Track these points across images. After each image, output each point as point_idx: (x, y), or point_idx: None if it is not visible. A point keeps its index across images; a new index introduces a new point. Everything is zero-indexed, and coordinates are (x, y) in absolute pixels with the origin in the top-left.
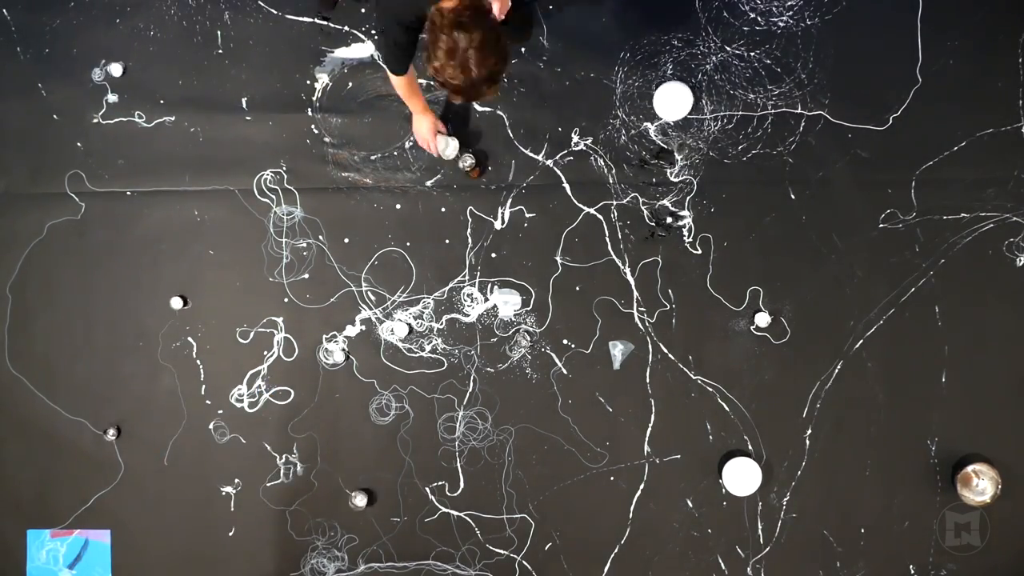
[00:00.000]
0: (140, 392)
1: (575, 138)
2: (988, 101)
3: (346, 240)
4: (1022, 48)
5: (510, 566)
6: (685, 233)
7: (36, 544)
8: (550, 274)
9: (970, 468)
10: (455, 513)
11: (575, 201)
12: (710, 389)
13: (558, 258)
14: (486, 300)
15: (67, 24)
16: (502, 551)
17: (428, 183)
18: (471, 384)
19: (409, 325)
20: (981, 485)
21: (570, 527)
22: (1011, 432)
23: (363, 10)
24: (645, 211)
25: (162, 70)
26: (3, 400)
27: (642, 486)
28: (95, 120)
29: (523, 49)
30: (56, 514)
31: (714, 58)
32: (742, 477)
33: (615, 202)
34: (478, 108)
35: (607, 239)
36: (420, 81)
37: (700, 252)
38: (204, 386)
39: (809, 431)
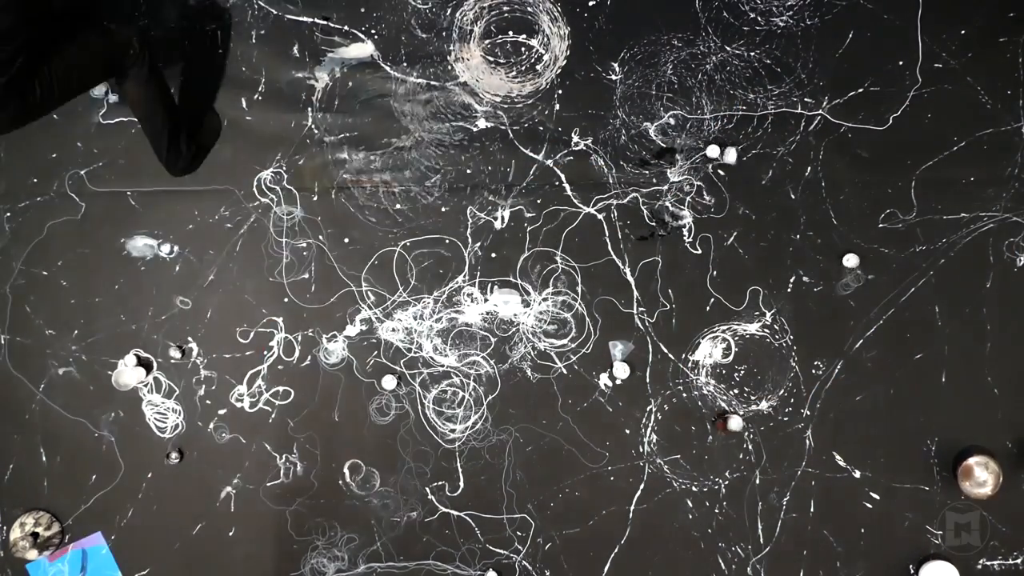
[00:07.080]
0: (140, 392)
1: (575, 138)
2: (988, 101)
3: (346, 240)
4: (1022, 48)
5: (510, 566)
6: (685, 233)
7: (40, 573)
8: (550, 274)
9: (972, 460)
10: (455, 513)
11: (575, 201)
12: (710, 389)
13: (558, 258)
14: (486, 300)
15: None
16: (502, 551)
17: (428, 183)
18: (471, 384)
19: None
20: (982, 476)
21: (570, 527)
22: (1011, 433)
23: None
24: (645, 211)
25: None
26: (3, 400)
27: (642, 486)
28: (95, 120)
29: (523, 48)
30: (56, 515)
31: (714, 58)
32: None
33: (615, 202)
34: (479, 109)
35: (607, 239)
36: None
37: (700, 252)
38: (204, 386)
39: (809, 431)
